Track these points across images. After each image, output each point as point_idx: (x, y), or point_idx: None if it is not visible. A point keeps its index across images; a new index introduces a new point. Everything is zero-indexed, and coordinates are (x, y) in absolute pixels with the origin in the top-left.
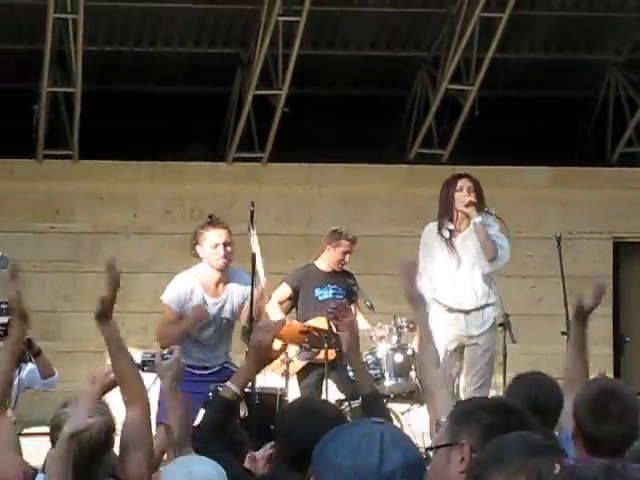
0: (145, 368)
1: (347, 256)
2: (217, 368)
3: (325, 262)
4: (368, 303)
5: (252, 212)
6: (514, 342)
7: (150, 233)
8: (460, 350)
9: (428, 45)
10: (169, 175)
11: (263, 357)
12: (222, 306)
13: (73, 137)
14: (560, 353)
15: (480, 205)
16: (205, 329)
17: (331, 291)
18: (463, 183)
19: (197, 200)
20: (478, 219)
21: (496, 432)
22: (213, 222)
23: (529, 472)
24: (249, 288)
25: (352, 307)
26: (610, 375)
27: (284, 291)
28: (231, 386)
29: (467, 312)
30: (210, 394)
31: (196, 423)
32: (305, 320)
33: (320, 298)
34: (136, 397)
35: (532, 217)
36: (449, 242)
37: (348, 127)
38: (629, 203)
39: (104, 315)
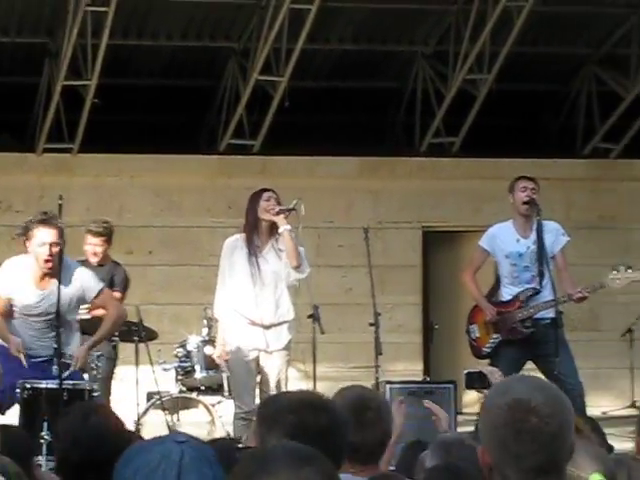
0: None
1: (97, 248)
2: (43, 359)
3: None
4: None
5: (60, 205)
6: (323, 333)
7: None
8: (257, 360)
9: (238, 36)
10: None
11: None
12: (45, 298)
13: None
14: (369, 342)
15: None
16: (31, 318)
17: None
18: (271, 194)
19: (6, 192)
20: (287, 227)
21: (302, 432)
22: (45, 220)
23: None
24: (84, 282)
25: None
26: (420, 362)
27: None
28: None
29: (267, 327)
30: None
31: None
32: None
33: None
34: None
35: (342, 207)
36: (253, 257)
37: (159, 118)
38: (437, 193)
39: None
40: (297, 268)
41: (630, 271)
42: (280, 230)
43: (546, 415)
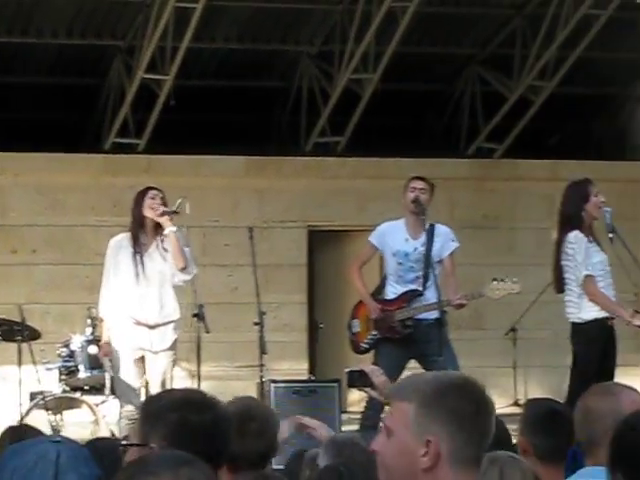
0: None
1: None
2: None
3: None
4: None
5: None
6: (208, 332)
7: None
8: (143, 360)
9: (123, 34)
10: None
11: None
12: None
13: None
14: (255, 341)
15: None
16: None
17: None
18: (155, 192)
19: None
20: (173, 228)
21: (186, 431)
22: None
23: (180, 478)
24: None
25: None
26: (305, 361)
27: None
28: None
29: (152, 327)
30: None
31: None
32: None
33: None
34: None
35: (228, 206)
36: (138, 256)
37: (44, 116)
38: (322, 192)
39: None
40: (183, 270)
41: (510, 283)
42: (165, 232)
43: None
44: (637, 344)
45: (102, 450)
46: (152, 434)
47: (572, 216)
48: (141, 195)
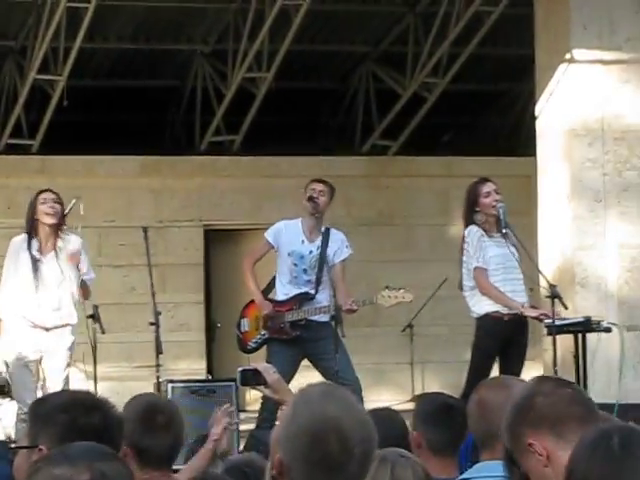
0: None
1: None
2: None
3: None
4: None
5: None
6: (103, 333)
7: None
8: (40, 361)
9: (15, 34)
10: None
11: None
12: None
13: None
14: (152, 341)
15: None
16: None
17: None
18: (47, 195)
19: None
20: (77, 252)
21: (75, 432)
22: None
23: (93, 471)
24: None
25: None
26: (203, 360)
27: None
28: None
29: (48, 329)
30: None
31: None
32: None
33: None
34: None
35: (123, 206)
36: (35, 258)
37: None
38: (218, 191)
39: None
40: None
41: (402, 292)
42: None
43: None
44: (533, 338)
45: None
46: (41, 435)
47: (466, 216)
48: (34, 199)
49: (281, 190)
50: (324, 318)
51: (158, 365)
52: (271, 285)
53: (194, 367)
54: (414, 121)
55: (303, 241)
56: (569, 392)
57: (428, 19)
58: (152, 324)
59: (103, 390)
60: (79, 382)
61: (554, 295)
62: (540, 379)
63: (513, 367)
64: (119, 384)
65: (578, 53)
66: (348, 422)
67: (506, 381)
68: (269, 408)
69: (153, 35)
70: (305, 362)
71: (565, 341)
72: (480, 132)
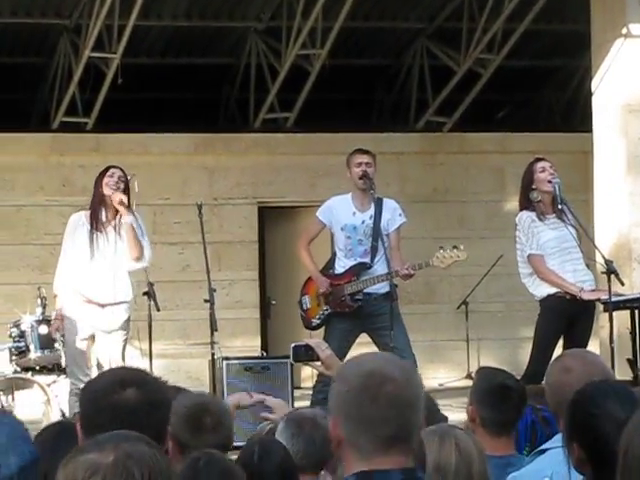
0: None
1: None
2: None
3: None
4: None
5: None
6: (158, 310)
7: None
8: (93, 339)
9: (69, 12)
10: None
11: None
12: None
13: None
14: (206, 318)
15: (130, 203)
16: None
17: None
18: (115, 170)
19: None
20: (128, 220)
21: (126, 409)
22: None
23: (118, 452)
24: None
25: None
26: (257, 338)
27: None
28: None
29: (103, 306)
30: None
31: None
32: None
33: None
34: None
35: (178, 184)
36: (95, 234)
37: None
38: (272, 168)
39: None
40: (137, 259)
41: (455, 251)
42: (123, 220)
43: (401, 384)
44: None
45: (60, 432)
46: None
47: (521, 199)
48: (101, 173)
49: (335, 167)
50: (383, 289)
51: (213, 342)
52: (329, 265)
53: (249, 344)
54: (469, 97)
55: (354, 213)
56: None
57: None
58: (207, 301)
59: (158, 368)
60: (134, 359)
61: (610, 271)
62: None
63: (577, 346)
64: (174, 361)
65: (634, 28)
66: (396, 370)
67: (585, 354)
68: (325, 382)
69: (207, 13)
70: (360, 340)
71: (621, 317)
72: (535, 108)
